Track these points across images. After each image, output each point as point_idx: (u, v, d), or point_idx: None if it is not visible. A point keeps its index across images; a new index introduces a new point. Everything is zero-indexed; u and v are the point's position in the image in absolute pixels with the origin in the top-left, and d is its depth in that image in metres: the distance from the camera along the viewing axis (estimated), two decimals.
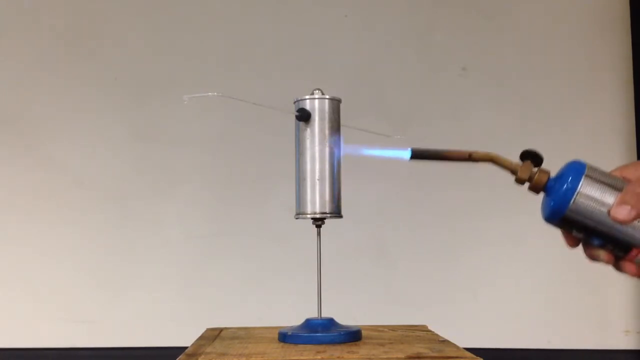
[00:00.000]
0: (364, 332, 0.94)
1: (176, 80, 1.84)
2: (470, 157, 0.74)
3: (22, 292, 1.80)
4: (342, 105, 0.93)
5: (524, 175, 0.71)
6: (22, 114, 1.85)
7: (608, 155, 1.80)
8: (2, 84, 1.85)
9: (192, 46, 1.87)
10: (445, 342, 0.91)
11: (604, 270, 1.90)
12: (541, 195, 0.72)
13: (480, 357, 0.77)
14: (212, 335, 1.00)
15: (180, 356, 0.82)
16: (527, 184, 0.71)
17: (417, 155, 0.75)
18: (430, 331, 1.02)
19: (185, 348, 0.89)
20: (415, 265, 1.80)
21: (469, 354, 0.80)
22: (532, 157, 0.71)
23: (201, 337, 0.99)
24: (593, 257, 0.71)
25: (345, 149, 0.91)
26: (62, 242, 1.81)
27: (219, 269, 1.80)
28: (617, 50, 1.84)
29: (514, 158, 0.72)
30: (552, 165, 0.73)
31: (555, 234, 0.80)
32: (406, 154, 0.75)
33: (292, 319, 0.97)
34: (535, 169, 0.71)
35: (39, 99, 1.85)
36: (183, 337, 1.05)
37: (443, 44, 1.87)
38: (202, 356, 0.82)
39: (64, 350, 1.78)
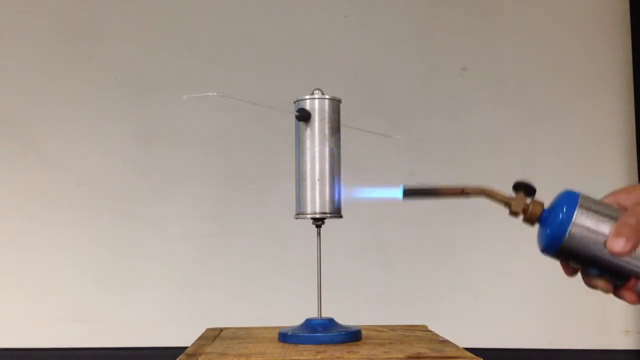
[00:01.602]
0: (364, 332, 0.94)
1: (176, 80, 1.84)
2: (462, 192, 0.73)
3: (22, 292, 1.80)
4: (342, 105, 0.93)
5: (517, 208, 0.70)
6: (22, 114, 1.85)
7: (608, 155, 1.80)
8: (2, 84, 1.85)
9: (192, 46, 1.87)
10: (445, 342, 0.91)
11: None
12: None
13: (480, 357, 0.77)
14: (212, 335, 1.00)
15: (180, 356, 0.82)
16: (521, 216, 0.71)
17: (409, 193, 0.74)
18: (430, 331, 1.02)
19: (185, 348, 0.89)
20: (415, 265, 1.80)
21: (469, 354, 0.80)
22: (524, 188, 0.71)
23: (201, 337, 0.99)
24: (592, 286, 0.70)
25: (345, 193, 0.91)
26: (62, 242, 1.81)
27: (219, 269, 1.80)
28: (617, 50, 1.84)
29: (515, 160, 0.72)
30: (553, 168, 0.73)
31: None
32: (398, 192, 0.74)
33: (292, 319, 0.97)
34: (529, 200, 0.71)
35: (38, 98, 1.85)
36: (183, 337, 1.05)
37: (443, 44, 1.87)
38: (202, 356, 0.82)
39: (64, 350, 1.78)
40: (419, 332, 1.00)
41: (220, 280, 1.80)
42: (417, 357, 0.79)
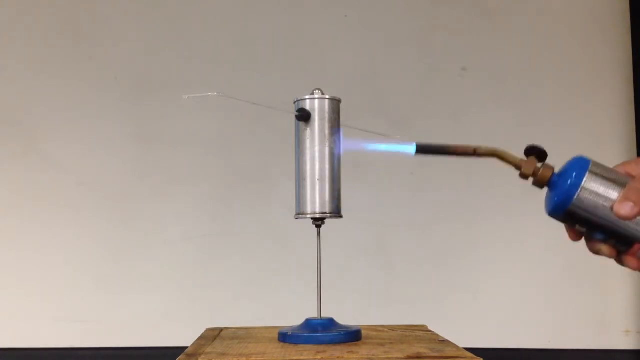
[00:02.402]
0: (364, 332, 0.94)
1: (176, 80, 1.84)
2: (475, 153, 0.74)
3: (22, 292, 1.80)
4: (342, 105, 0.93)
5: (528, 170, 0.71)
6: (22, 114, 1.85)
7: (608, 154, 1.79)
8: (2, 84, 1.85)
9: (192, 46, 1.87)
10: (445, 342, 0.91)
11: (604, 271, 1.91)
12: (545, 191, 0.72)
13: (480, 357, 0.77)
14: (212, 335, 1.00)
15: (180, 356, 0.82)
16: (531, 179, 0.72)
17: (421, 150, 0.75)
18: (430, 331, 1.02)
19: (185, 348, 0.89)
20: (415, 265, 1.80)
21: (469, 354, 0.80)
22: (536, 153, 0.72)
23: (201, 337, 0.99)
24: (595, 251, 0.72)
25: (347, 144, 0.91)
26: (62, 242, 1.81)
27: (219, 269, 1.80)
28: (617, 50, 1.84)
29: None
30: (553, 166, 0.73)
31: (556, 234, 0.80)
32: (411, 148, 0.75)
33: (292, 319, 0.97)
34: (540, 164, 0.72)
35: (38, 98, 1.85)
36: (183, 337, 1.05)
37: (443, 44, 1.87)
38: (202, 356, 0.82)
39: (64, 350, 1.78)
40: (419, 332, 1.00)
41: (220, 280, 1.80)
42: (417, 357, 0.79)
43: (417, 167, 1.81)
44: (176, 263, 1.81)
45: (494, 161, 0.75)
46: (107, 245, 1.81)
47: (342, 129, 0.92)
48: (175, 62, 1.86)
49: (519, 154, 0.73)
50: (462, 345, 0.86)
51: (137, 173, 1.83)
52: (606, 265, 0.78)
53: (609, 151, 1.80)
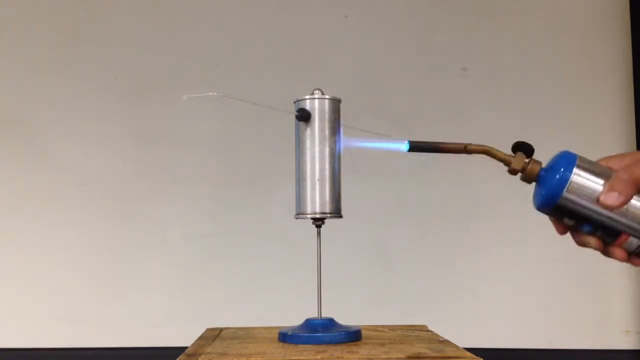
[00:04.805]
0: (364, 332, 0.94)
1: (176, 80, 1.84)
2: (465, 149, 0.77)
3: (21, 292, 1.80)
4: (342, 105, 0.93)
5: (517, 165, 0.74)
6: (22, 114, 1.85)
7: (608, 154, 1.79)
8: (2, 84, 1.85)
9: (192, 46, 1.87)
10: (445, 342, 0.91)
11: (604, 271, 1.90)
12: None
13: (480, 357, 0.77)
14: (212, 335, 1.00)
15: (180, 356, 0.82)
16: (519, 175, 0.74)
17: (414, 147, 0.77)
18: (430, 331, 1.02)
19: (185, 348, 0.89)
20: (415, 265, 1.80)
21: (469, 354, 0.80)
22: (523, 149, 0.75)
23: (201, 337, 0.99)
24: (582, 244, 0.74)
25: (344, 142, 0.91)
26: (62, 242, 1.81)
27: (219, 269, 1.80)
28: (617, 50, 1.84)
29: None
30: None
31: (556, 234, 0.80)
32: (404, 146, 0.77)
33: (292, 319, 0.97)
34: (528, 160, 0.74)
35: (39, 98, 1.85)
36: (183, 337, 1.05)
37: (443, 44, 1.87)
38: (202, 356, 0.82)
39: (64, 350, 1.78)
40: (419, 332, 1.00)
41: (220, 280, 1.80)
42: (417, 357, 0.79)
43: (417, 167, 1.80)
44: (176, 263, 1.81)
45: (494, 161, 0.76)
46: (107, 245, 1.81)
47: (342, 128, 0.92)
48: (175, 62, 1.86)
49: (510, 152, 0.75)
50: (462, 345, 0.86)
51: (137, 173, 1.83)
52: (606, 265, 0.78)
53: (609, 151, 1.79)
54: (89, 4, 1.88)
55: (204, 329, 1.07)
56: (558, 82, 1.85)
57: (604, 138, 1.82)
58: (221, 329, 1.06)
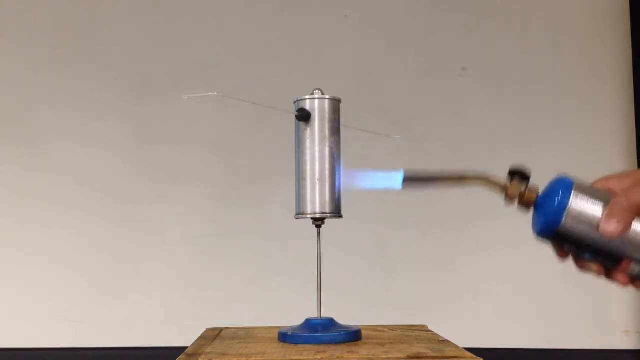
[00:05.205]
0: (364, 332, 0.94)
1: (176, 80, 1.84)
2: (461, 180, 0.77)
3: (21, 292, 1.80)
4: (342, 105, 0.93)
5: (514, 194, 0.73)
6: (22, 114, 1.85)
7: (608, 155, 1.80)
8: (2, 84, 1.85)
9: (192, 46, 1.87)
10: (445, 342, 0.91)
11: None
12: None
13: (480, 357, 0.77)
14: (212, 335, 1.00)
15: (180, 356, 0.82)
16: (516, 202, 0.73)
17: (408, 181, 0.76)
18: (430, 331, 1.02)
19: (185, 348, 0.89)
20: (415, 265, 1.80)
21: (469, 354, 0.80)
22: (519, 174, 0.73)
23: (201, 337, 0.99)
24: (584, 269, 0.72)
25: (345, 181, 0.91)
26: (61, 241, 1.81)
27: (219, 269, 1.80)
28: (617, 50, 1.84)
29: (515, 160, 0.73)
30: (551, 166, 0.74)
31: None
32: (397, 182, 0.76)
33: (292, 319, 0.97)
34: (524, 187, 0.73)
35: (39, 99, 1.85)
36: (183, 337, 1.05)
37: (443, 44, 1.87)
38: (202, 356, 0.82)
39: (64, 350, 1.78)
40: (419, 332, 1.00)
41: (220, 280, 1.80)
42: (417, 357, 0.79)
43: (417, 167, 1.80)
44: (176, 263, 1.81)
45: (494, 157, 0.76)
46: (107, 245, 1.81)
47: (341, 133, 0.92)
48: (175, 62, 1.86)
49: (517, 157, 0.74)
50: (462, 345, 0.86)
51: (137, 173, 1.83)
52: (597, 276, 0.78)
53: (609, 151, 1.80)
54: (89, 4, 1.88)
55: (204, 329, 1.07)
56: (558, 82, 1.85)
57: (604, 138, 1.82)
58: (221, 329, 1.06)
